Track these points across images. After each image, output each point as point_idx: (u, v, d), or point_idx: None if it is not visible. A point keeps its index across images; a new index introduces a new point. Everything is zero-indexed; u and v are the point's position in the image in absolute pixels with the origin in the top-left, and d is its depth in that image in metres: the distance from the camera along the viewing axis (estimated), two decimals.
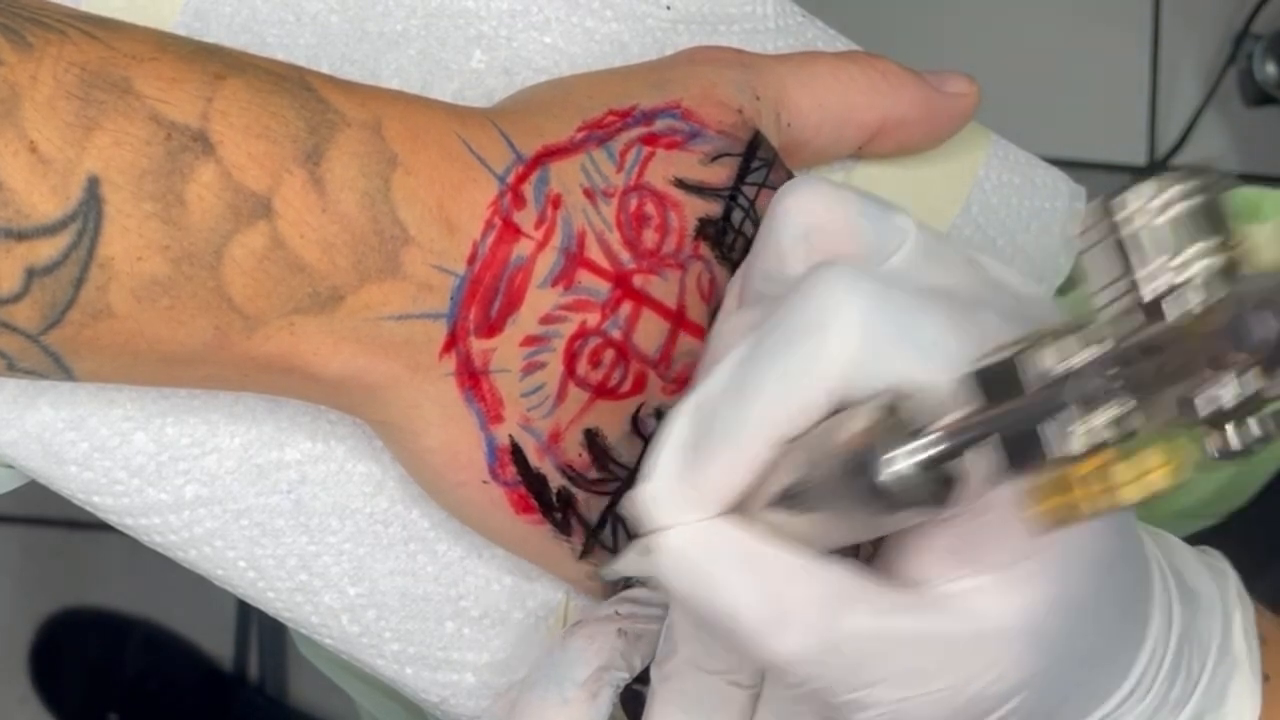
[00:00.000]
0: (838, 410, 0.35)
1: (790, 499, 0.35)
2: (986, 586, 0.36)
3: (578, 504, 0.44)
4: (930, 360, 0.34)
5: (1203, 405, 0.31)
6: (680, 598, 0.35)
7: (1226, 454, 0.31)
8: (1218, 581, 0.44)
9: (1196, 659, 0.42)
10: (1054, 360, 0.31)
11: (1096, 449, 0.31)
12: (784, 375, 0.35)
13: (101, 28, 0.39)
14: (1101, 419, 0.31)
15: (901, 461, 0.33)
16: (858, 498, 0.33)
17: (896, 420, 0.33)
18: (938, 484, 0.33)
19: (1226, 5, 1.50)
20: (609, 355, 0.43)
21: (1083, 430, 0.31)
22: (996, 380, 0.32)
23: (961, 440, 0.32)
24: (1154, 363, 0.31)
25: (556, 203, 0.42)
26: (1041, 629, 0.36)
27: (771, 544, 0.35)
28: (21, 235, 0.37)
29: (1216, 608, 0.43)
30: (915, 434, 0.33)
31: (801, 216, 0.39)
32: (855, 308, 0.35)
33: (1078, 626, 0.37)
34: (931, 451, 0.33)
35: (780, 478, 0.35)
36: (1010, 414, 0.31)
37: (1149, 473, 0.31)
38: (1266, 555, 0.70)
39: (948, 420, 0.33)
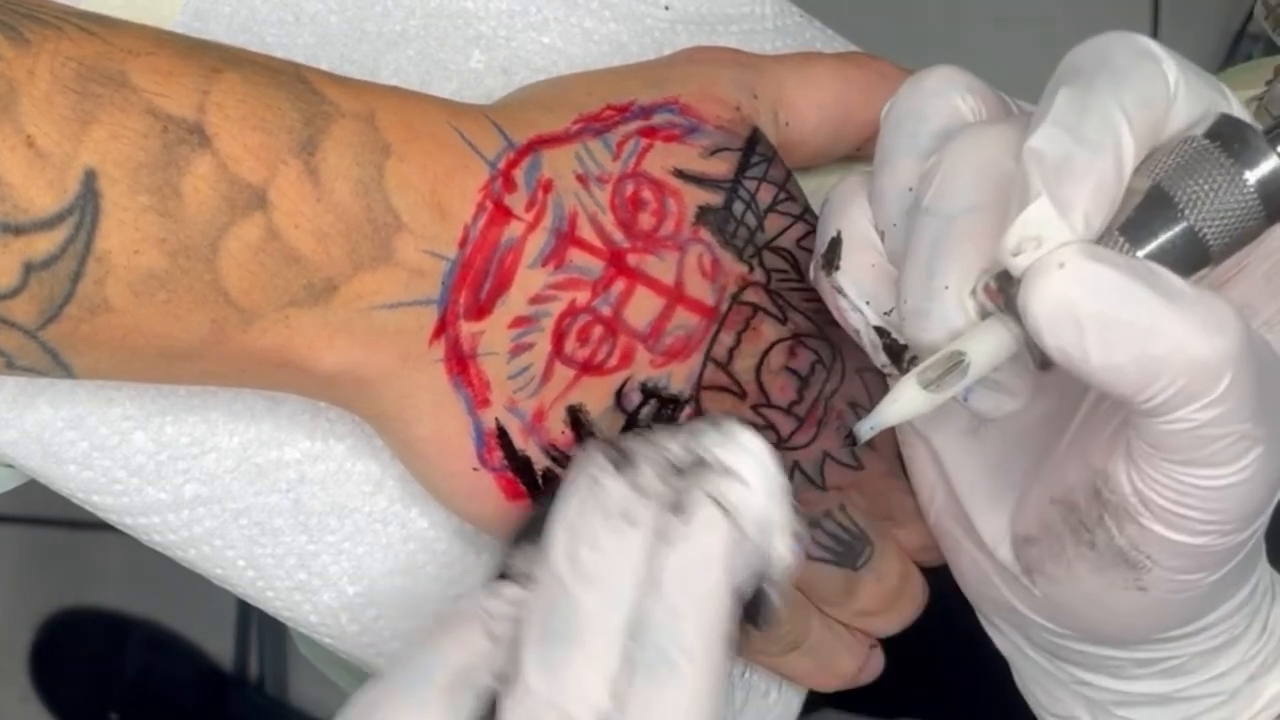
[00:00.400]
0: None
1: (1146, 212, 0.35)
2: None
3: (562, 484, 0.43)
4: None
5: None
6: (1092, 309, 0.33)
7: None
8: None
9: None
10: None
11: None
12: (1136, 93, 0.35)
13: (98, 24, 0.39)
14: None
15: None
16: (1229, 180, 0.34)
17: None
18: None
19: (1225, 5, 1.50)
20: (597, 331, 0.43)
21: None
22: None
23: None
24: None
25: (548, 187, 0.43)
26: None
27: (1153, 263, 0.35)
28: (19, 230, 0.37)
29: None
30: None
31: (960, 78, 0.40)
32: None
33: None
34: None
35: (1128, 204, 0.35)
36: None
37: None
38: None
39: None
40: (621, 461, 0.39)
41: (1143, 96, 0.36)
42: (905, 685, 0.59)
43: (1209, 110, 0.37)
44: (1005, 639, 0.46)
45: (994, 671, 0.49)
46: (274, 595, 0.48)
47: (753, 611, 0.40)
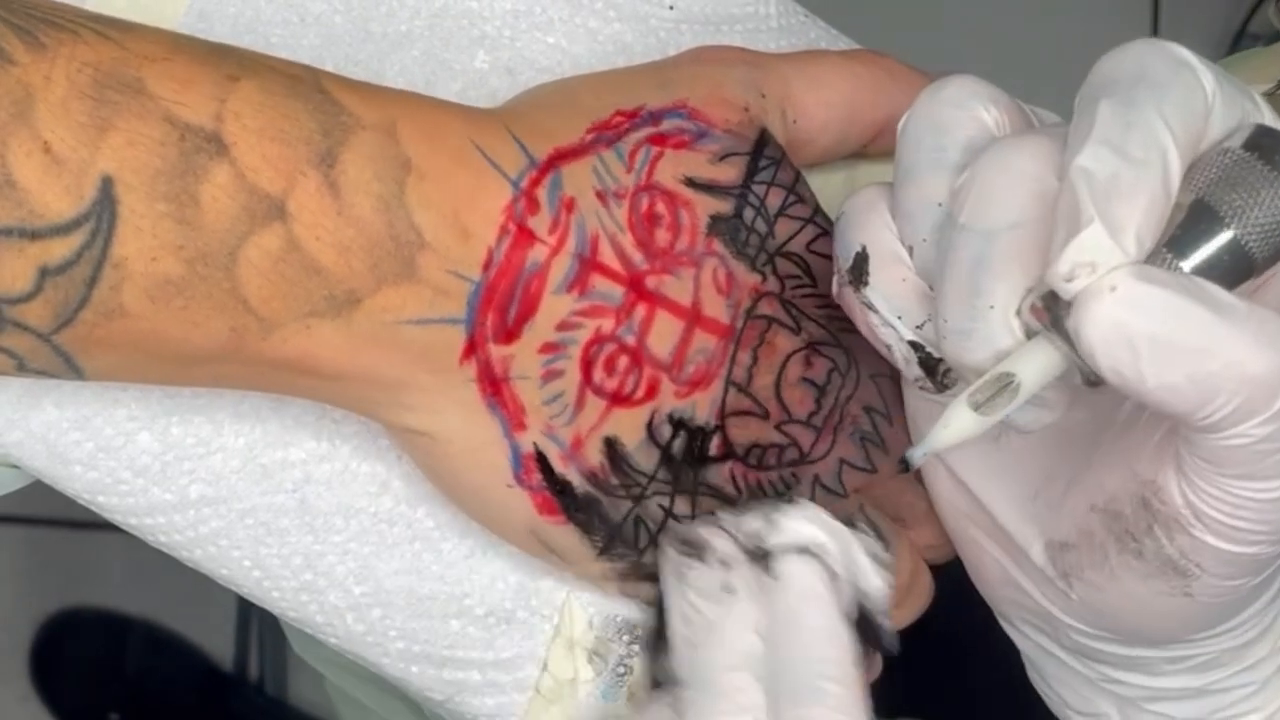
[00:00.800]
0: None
1: (1190, 228, 0.35)
2: None
3: (602, 506, 0.44)
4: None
5: None
6: (1144, 330, 0.34)
7: None
8: None
9: None
10: None
11: None
12: (1177, 106, 0.35)
13: (115, 28, 0.39)
14: None
15: None
16: (1274, 189, 0.34)
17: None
18: None
19: (1225, 5, 1.50)
20: (623, 361, 0.43)
21: None
22: None
23: None
24: None
25: (570, 206, 0.42)
26: None
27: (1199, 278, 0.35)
28: (35, 235, 0.37)
29: None
30: None
31: (984, 90, 0.40)
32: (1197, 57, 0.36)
33: None
34: None
35: (1185, 227, 0.35)
36: None
37: None
38: None
39: None
40: (694, 551, 0.43)
41: (1184, 109, 0.35)
42: (907, 685, 0.59)
43: (1244, 120, 0.37)
44: (1028, 639, 0.46)
45: (996, 671, 0.49)
46: (279, 595, 0.48)
47: (871, 636, 0.42)
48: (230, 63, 0.40)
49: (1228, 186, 0.35)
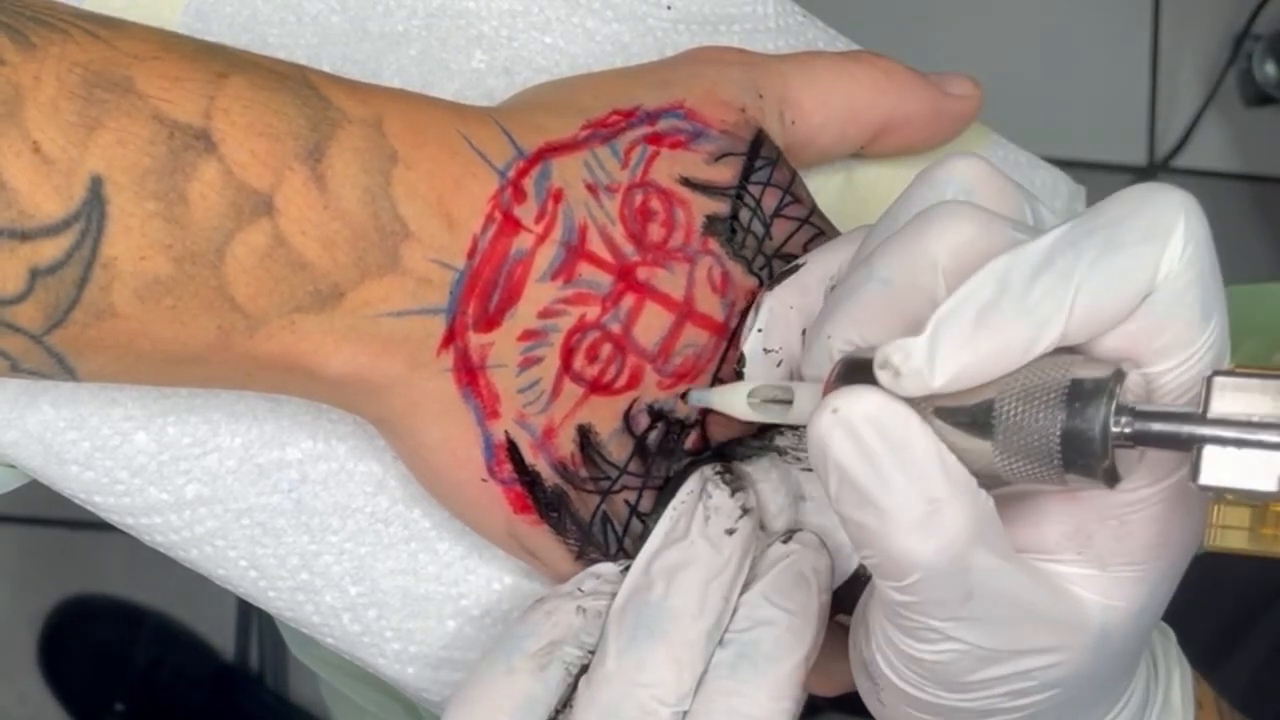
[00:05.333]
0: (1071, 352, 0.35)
1: (976, 414, 0.34)
2: (1088, 578, 0.36)
3: (570, 502, 0.44)
4: (1210, 329, 0.35)
5: None
6: (835, 462, 0.34)
7: None
8: (1161, 641, 0.44)
9: (1148, 710, 0.42)
10: None
11: None
12: (1113, 273, 0.34)
13: (104, 27, 0.39)
14: None
15: (1115, 426, 0.33)
16: (1046, 439, 0.33)
17: (1123, 385, 0.33)
18: (1115, 465, 0.34)
19: (1226, 5, 1.50)
20: (606, 350, 0.43)
21: None
22: (1248, 392, 0.32)
23: (1185, 435, 0.32)
24: None
25: (558, 197, 0.42)
26: (1112, 636, 0.37)
27: (945, 449, 0.34)
28: (25, 235, 0.37)
29: (1160, 666, 0.44)
30: (1133, 409, 0.33)
31: (970, 174, 0.39)
32: (1197, 229, 0.34)
33: (1131, 645, 0.38)
34: (1152, 431, 0.33)
35: (983, 392, 0.34)
36: (1251, 432, 0.32)
37: None
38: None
39: (1182, 410, 0.33)
40: (735, 481, 0.43)
41: (1112, 287, 0.34)
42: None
43: (1174, 345, 0.35)
44: None
45: None
46: (276, 595, 0.47)
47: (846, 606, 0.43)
48: (219, 60, 0.40)
49: (1021, 417, 0.34)
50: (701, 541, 0.42)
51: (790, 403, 0.40)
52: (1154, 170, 1.49)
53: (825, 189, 0.51)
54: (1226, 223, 1.51)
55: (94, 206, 0.38)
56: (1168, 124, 1.50)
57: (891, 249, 0.37)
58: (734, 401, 0.42)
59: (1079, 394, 0.33)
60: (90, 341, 0.39)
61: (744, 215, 0.45)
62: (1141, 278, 0.34)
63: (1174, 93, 1.50)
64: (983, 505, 0.35)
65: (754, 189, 0.45)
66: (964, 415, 0.34)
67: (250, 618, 1.35)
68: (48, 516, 1.35)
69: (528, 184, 0.42)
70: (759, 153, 0.45)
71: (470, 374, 0.42)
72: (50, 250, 0.37)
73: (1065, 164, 0.57)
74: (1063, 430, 0.33)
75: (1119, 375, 0.33)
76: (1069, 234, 0.34)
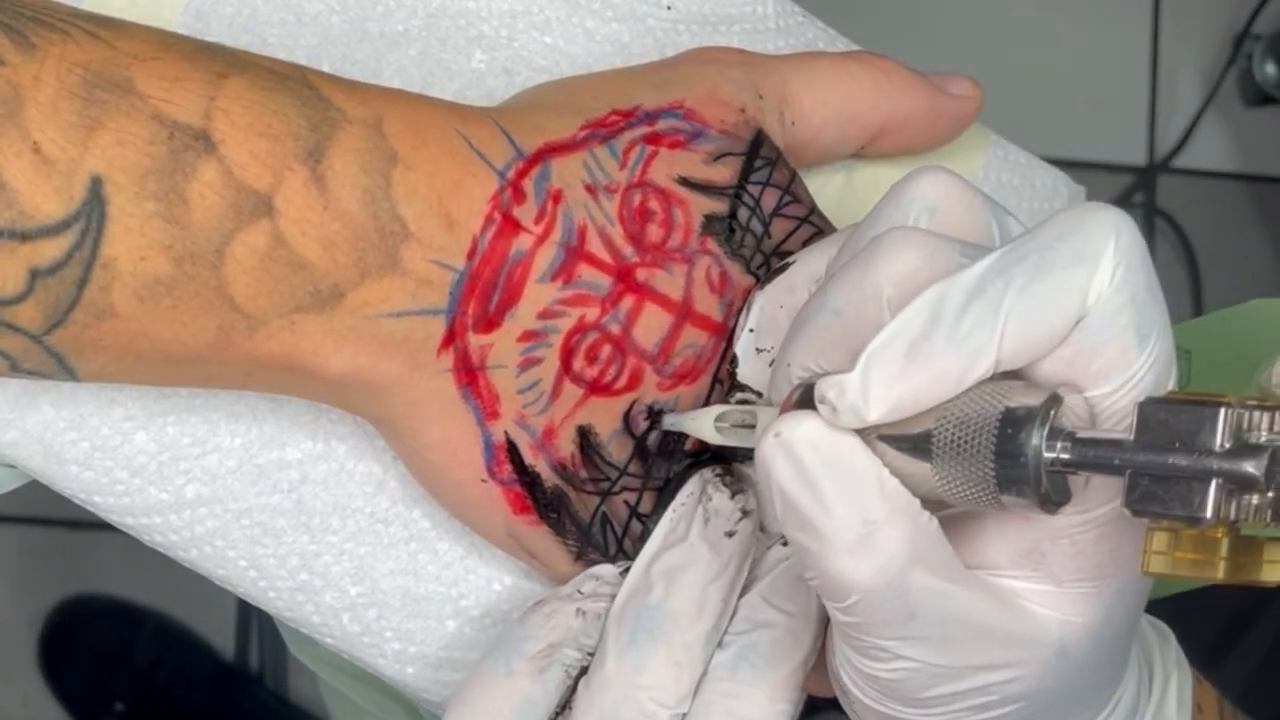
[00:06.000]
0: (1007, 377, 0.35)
1: (917, 441, 0.35)
2: (1045, 594, 0.36)
3: (570, 503, 0.44)
4: (1148, 351, 0.35)
5: None
6: (778, 485, 0.35)
7: None
8: (1159, 645, 0.44)
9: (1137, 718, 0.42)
10: (1257, 427, 0.32)
11: (1232, 521, 0.32)
12: (1042, 299, 0.34)
13: (104, 27, 0.39)
14: (1265, 499, 0.32)
15: (1050, 452, 0.33)
16: (983, 467, 0.34)
17: (1059, 411, 0.34)
18: (1058, 489, 0.34)
19: (1226, 5, 1.50)
20: (606, 350, 0.43)
21: (1251, 503, 0.32)
22: (1179, 419, 0.32)
23: (1116, 462, 0.33)
24: None
25: (557, 198, 0.42)
26: (1072, 651, 0.37)
27: (886, 473, 0.35)
28: (25, 236, 0.37)
29: (1157, 670, 0.44)
30: (1071, 434, 0.33)
31: (936, 191, 0.39)
32: (1128, 250, 0.34)
33: (1095, 659, 0.38)
34: (1084, 457, 0.33)
35: (923, 420, 0.35)
36: (1180, 458, 0.32)
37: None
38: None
39: (1114, 436, 0.33)
40: (735, 484, 0.44)
41: (1042, 313, 0.34)
42: None
43: (1111, 369, 0.35)
44: None
45: None
46: (276, 595, 0.47)
47: None
48: (219, 60, 0.40)
49: (958, 440, 0.34)
50: (701, 544, 0.43)
51: (753, 428, 0.41)
52: (1154, 170, 1.49)
53: (825, 189, 0.51)
54: (1226, 223, 1.51)
55: (94, 207, 0.38)
56: (1168, 124, 1.50)
57: (843, 278, 0.38)
58: (703, 426, 0.42)
59: (1011, 421, 0.34)
60: (90, 341, 0.39)
61: (742, 214, 0.45)
62: (1071, 302, 0.34)
63: (1174, 93, 1.50)
64: (923, 526, 0.35)
65: (753, 188, 0.45)
66: (906, 442, 0.35)
67: (250, 618, 1.35)
68: (48, 516, 1.35)
69: (527, 185, 0.42)
70: (759, 152, 0.45)
71: (470, 374, 0.42)
72: (50, 250, 0.37)
73: (1065, 164, 0.57)
74: (995, 458, 0.34)
75: (1052, 401, 0.34)
76: (1001, 260, 0.34)
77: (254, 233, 0.39)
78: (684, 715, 0.41)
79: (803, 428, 0.34)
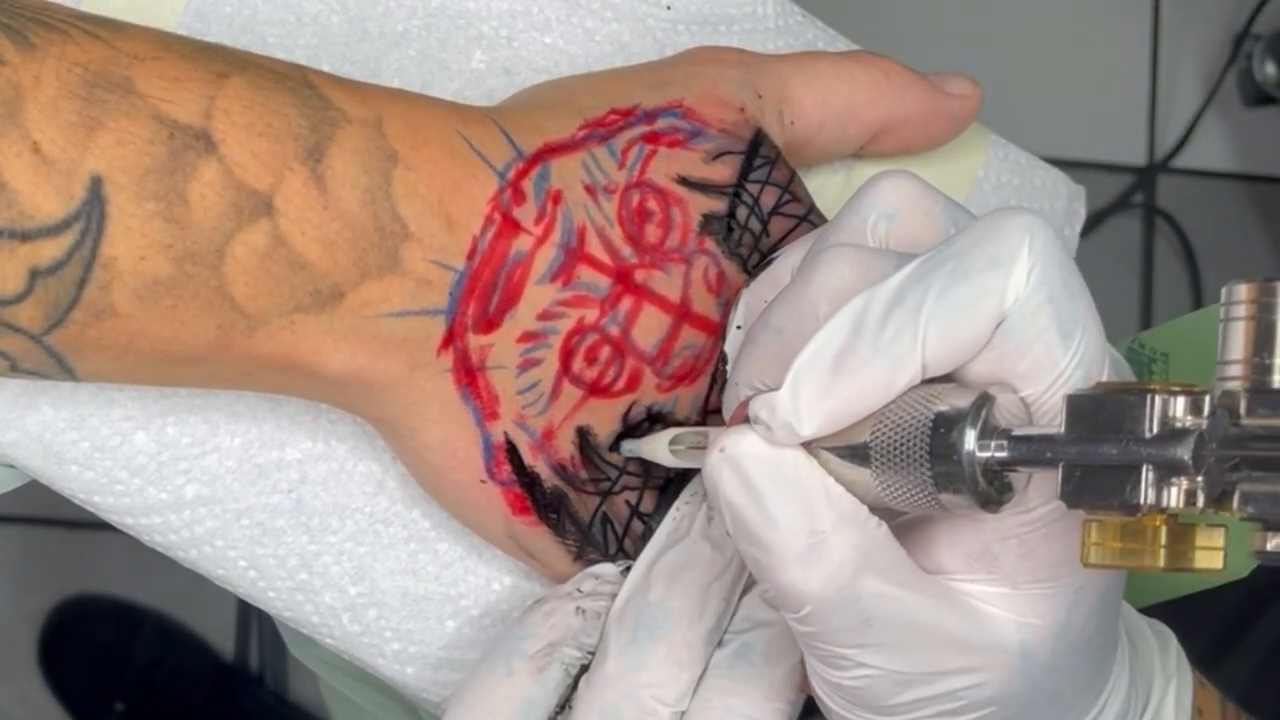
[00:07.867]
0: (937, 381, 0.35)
1: (858, 450, 0.35)
2: (1002, 596, 0.37)
3: (570, 504, 0.44)
4: (1073, 348, 0.35)
5: (1269, 507, 0.31)
6: (726, 500, 0.35)
7: (1266, 558, 0.32)
8: (1159, 648, 0.44)
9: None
10: (1184, 413, 0.32)
11: (1167, 509, 0.32)
12: (960, 304, 0.34)
13: (104, 27, 0.39)
14: (1196, 484, 0.31)
15: (983, 451, 0.33)
16: (920, 470, 0.34)
17: (991, 410, 0.34)
18: (1000, 487, 0.34)
19: (1226, 5, 1.50)
20: (605, 352, 0.43)
21: (1183, 489, 0.32)
22: (1106, 409, 0.32)
23: (1048, 455, 0.33)
24: (1249, 447, 0.31)
25: (557, 198, 0.42)
26: (1035, 653, 0.37)
27: (831, 481, 0.35)
28: (25, 236, 0.37)
29: (1156, 675, 0.44)
30: (1004, 432, 0.33)
31: (894, 198, 0.39)
32: (1043, 251, 0.35)
33: (1063, 662, 0.38)
34: (1017, 453, 0.33)
35: (862, 429, 0.35)
36: (1109, 447, 0.32)
37: (1216, 548, 0.32)
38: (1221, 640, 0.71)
39: (1046, 432, 0.33)
40: None
41: (961, 318, 0.34)
42: None
43: (1036, 368, 0.35)
44: None
45: None
46: (275, 595, 0.47)
47: None
48: (219, 60, 0.40)
49: (895, 454, 0.35)
50: (704, 542, 0.43)
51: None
52: (1154, 170, 1.49)
53: (825, 189, 0.51)
54: (1226, 223, 1.51)
55: (94, 206, 0.38)
56: (1168, 124, 1.50)
57: (783, 297, 0.38)
58: (657, 449, 0.42)
59: (944, 422, 0.34)
60: (90, 341, 0.39)
61: (741, 213, 0.45)
62: (989, 304, 0.34)
63: (1174, 93, 1.50)
64: (872, 533, 0.35)
65: (752, 187, 0.45)
66: (849, 451, 0.35)
67: (250, 618, 1.35)
68: (48, 516, 1.35)
69: (527, 185, 0.42)
70: (758, 151, 0.45)
71: (470, 375, 0.42)
72: (50, 250, 0.37)
73: (1065, 164, 0.57)
74: (930, 459, 0.34)
75: (983, 400, 0.34)
76: (920, 268, 0.35)
77: (254, 232, 0.39)
78: (683, 713, 0.41)
79: (745, 441, 0.35)
